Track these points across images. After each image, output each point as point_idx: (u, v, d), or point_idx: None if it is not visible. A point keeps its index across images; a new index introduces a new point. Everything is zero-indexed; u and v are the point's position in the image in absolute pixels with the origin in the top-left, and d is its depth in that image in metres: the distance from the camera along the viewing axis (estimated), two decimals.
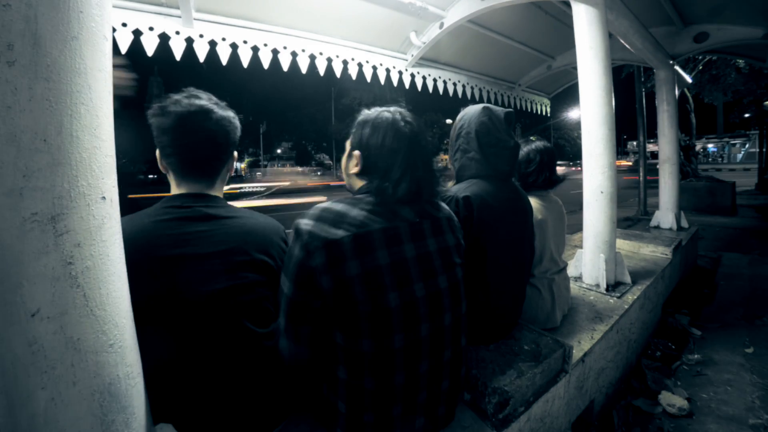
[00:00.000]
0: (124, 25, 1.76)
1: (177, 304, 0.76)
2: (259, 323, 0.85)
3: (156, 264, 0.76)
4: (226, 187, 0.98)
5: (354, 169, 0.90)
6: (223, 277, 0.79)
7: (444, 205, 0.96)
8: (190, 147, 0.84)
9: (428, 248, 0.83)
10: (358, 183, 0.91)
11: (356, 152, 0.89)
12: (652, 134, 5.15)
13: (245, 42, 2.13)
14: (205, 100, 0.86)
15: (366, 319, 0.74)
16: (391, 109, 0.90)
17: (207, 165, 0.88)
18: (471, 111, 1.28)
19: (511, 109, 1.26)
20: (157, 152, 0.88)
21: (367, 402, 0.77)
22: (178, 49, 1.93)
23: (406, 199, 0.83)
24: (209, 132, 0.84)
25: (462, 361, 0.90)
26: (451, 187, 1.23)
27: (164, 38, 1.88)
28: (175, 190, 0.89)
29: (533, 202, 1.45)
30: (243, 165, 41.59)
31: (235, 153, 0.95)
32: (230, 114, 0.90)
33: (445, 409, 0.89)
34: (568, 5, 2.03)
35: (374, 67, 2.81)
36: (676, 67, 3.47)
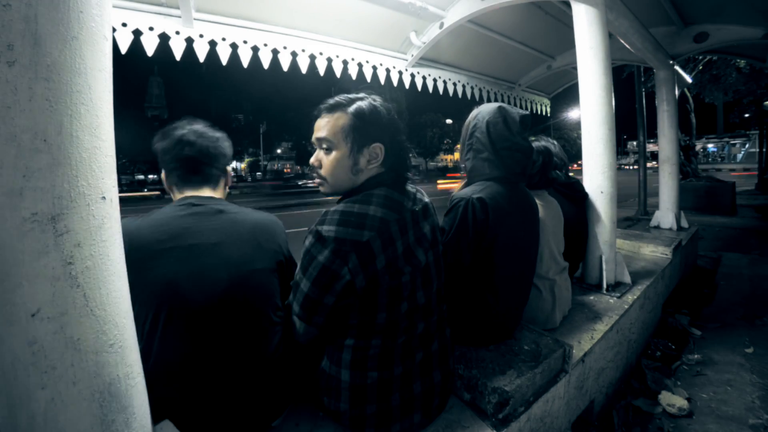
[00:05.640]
0: (124, 25, 1.76)
1: (198, 290, 0.82)
2: (268, 309, 0.92)
3: (181, 251, 0.84)
4: None
5: (372, 163, 0.91)
6: (237, 266, 0.87)
7: (422, 190, 1.03)
8: (189, 158, 0.98)
9: (423, 230, 0.92)
10: (363, 177, 0.92)
11: (377, 144, 0.90)
12: (652, 134, 5.15)
13: (245, 42, 2.13)
14: (200, 125, 1.03)
15: (384, 296, 0.84)
16: (370, 97, 0.95)
17: (203, 172, 1.00)
18: (485, 110, 1.25)
19: (527, 112, 1.24)
20: (162, 174, 1.01)
21: (371, 364, 0.85)
22: (178, 49, 1.93)
23: (402, 180, 0.93)
24: (203, 147, 1.00)
25: (447, 330, 1.02)
26: (463, 189, 1.21)
27: (164, 38, 1.88)
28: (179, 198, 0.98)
29: None
30: (243, 165, 41.52)
31: (229, 168, 1.09)
32: (221, 135, 1.06)
33: (441, 375, 0.95)
34: (568, 5, 2.03)
35: (374, 67, 2.80)
36: (676, 67, 3.47)
